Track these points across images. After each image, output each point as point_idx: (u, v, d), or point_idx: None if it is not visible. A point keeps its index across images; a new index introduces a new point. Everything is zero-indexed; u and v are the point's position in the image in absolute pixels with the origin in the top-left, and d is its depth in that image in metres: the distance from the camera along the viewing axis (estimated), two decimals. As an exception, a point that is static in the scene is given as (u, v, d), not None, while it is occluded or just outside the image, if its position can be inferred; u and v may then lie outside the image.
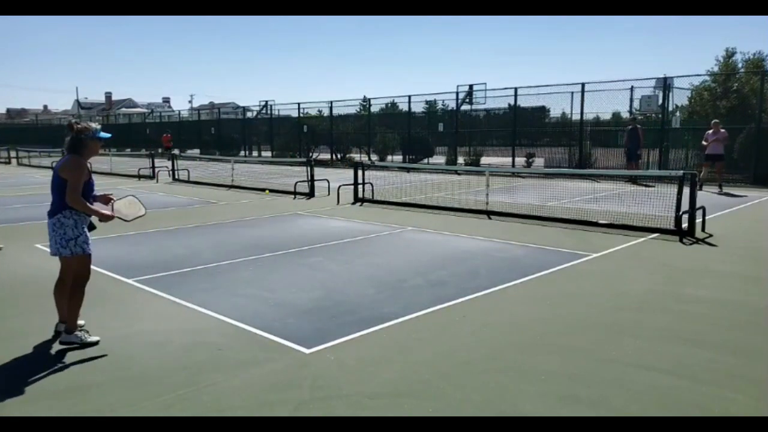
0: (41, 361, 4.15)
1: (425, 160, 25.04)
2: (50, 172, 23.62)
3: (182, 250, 7.94)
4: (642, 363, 4.03)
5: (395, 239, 8.65)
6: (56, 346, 4.41)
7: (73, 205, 4.35)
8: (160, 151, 31.31)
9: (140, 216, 4.93)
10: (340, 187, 13.68)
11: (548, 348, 4.33)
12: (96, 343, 4.42)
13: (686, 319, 4.96)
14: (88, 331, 4.48)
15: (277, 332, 4.63)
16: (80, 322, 4.57)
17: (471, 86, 23.25)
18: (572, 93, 19.52)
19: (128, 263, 7.09)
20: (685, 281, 6.16)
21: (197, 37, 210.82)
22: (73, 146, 4.44)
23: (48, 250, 4.61)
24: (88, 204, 4.44)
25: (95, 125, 4.54)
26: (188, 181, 18.63)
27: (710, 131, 14.72)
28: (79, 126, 4.45)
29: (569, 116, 20.62)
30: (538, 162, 21.20)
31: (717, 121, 15.03)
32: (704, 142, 14.83)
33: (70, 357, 4.20)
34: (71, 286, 4.48)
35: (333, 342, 4.43)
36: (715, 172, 14.70)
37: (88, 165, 4.51)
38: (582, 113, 19.37)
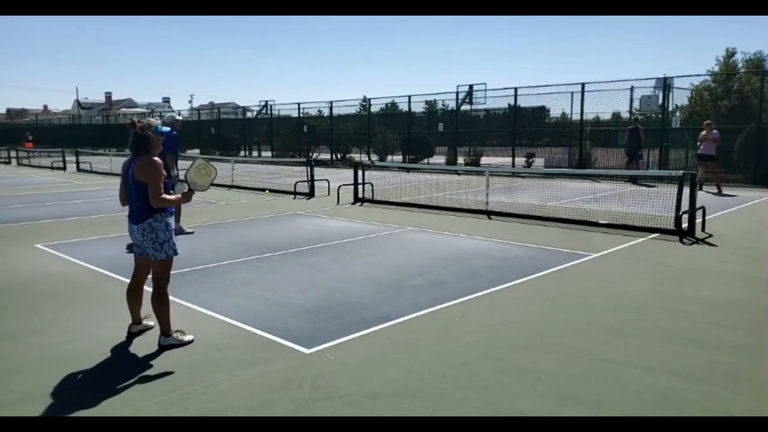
0: (42, 361, 4.16)
1: (425, 160, 25.03)
2: (50, 172, 23.31)
3: (182, 250, 7.83)
4: (642, 363, 4.03)
5: (395, 239, 8.65)
6: (58, 347, 4.42)
7: (159, 205, 4.27)
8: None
9: (213, 179, 4.67)
10: (340, 187, 13.68)
11: (548, 348, 4.33)
12: (192, 341, 4.44)
13: (686, 319, 4.96)
14: (183, 332, 4.48)
15: (277, 332, 4.64)
16: (149, 323, 4.72)
17: (471, 86, 23.26)
18: (572, 93, 19.52)
19: (129, 263, 7.02)
20: (685, 281, 6.16)
21: (197, 37, 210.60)
22: (140, 146, 4.31)
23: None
24: (169, 197, 4.32)
25: (155, 121, 4.49)
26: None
27: (703, 132, 14.82)
28: (141, 123, 4.35)
29: (569, 116, 20.63)
30: (538, 162, 21.19)
31: (709, 122, 15.13)
32: (698, 143, 14.95)
33: (69, 358, 4.20)
34: (157, 290, 4.40)
35: (333, 342, 4.43)
36: (708, 172, 14.75)
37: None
38: (582, 113, 19.36)
